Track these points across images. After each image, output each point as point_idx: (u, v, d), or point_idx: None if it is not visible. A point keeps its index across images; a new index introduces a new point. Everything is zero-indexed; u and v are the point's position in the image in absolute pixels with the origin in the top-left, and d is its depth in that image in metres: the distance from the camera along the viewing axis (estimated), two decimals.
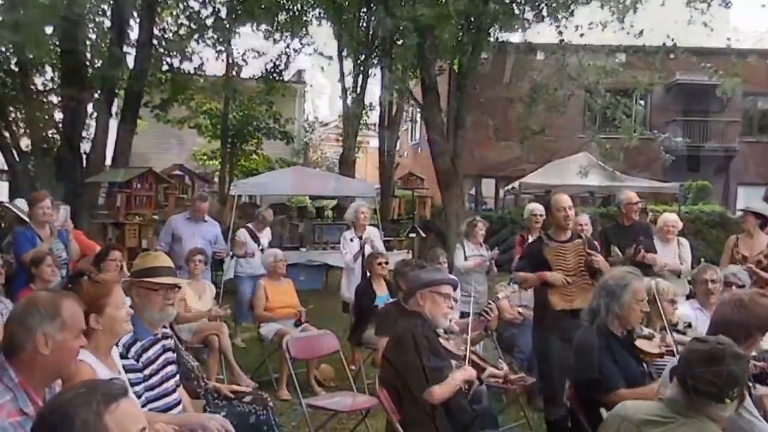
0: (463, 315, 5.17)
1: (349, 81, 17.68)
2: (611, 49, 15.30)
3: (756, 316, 2.66)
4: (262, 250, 7.96)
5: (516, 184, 15.55)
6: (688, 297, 5.23)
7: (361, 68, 16.96)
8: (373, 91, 19.35)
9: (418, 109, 14.65)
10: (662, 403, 2.27)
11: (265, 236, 8.42)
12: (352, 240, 7.19)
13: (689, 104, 19.76)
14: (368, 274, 6.42)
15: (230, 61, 16.21)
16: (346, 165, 17.81)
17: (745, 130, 21.86)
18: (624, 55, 14.98)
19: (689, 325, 4.13)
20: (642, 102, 14.98)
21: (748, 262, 5.72)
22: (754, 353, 3.35)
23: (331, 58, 17.28)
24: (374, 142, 22.63)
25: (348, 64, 17.99)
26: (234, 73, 16.51)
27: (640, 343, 3.43)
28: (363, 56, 16.22)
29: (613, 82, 13.76)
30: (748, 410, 2.50)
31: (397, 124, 19.09)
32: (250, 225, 8.44)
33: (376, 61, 16.25)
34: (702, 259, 8.94)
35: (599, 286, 3.69)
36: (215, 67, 16.14)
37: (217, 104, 17.61)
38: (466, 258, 6.77)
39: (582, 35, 12.85)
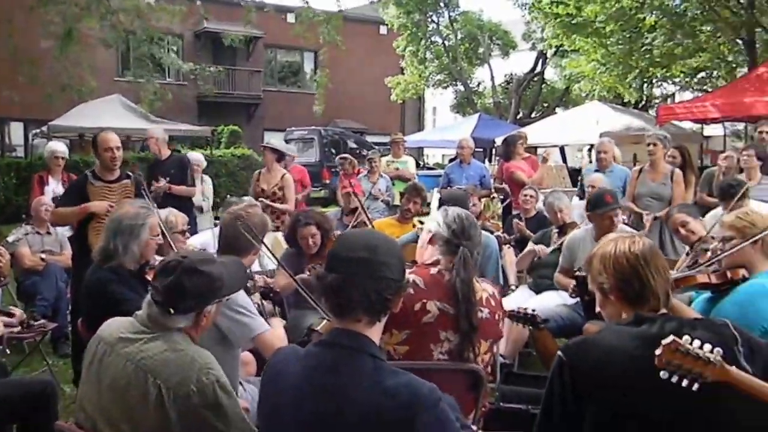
0: None
1: None
2: None
3: (254, 224, 3.09)
4: None
5: (45, 127, 14.24)
6: None
7: None
8: None
9: None
10: (134, 319, 2.19)
11: None
12: None
13: (218, 53, 20.90)
14: None
15: None
16: None
17: (268, 80, 24.28)
18: None
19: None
20: (174, 48, 15.20)
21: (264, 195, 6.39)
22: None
23: None
24: None
25: None
26: None
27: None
28: None
29: (146, 25, 13.61)
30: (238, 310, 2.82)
31: None
32: None
33: None
34: (228, 195, 10.03)
35: (112, 226, 3.58)
36: None
37: None
38: None
39: None
